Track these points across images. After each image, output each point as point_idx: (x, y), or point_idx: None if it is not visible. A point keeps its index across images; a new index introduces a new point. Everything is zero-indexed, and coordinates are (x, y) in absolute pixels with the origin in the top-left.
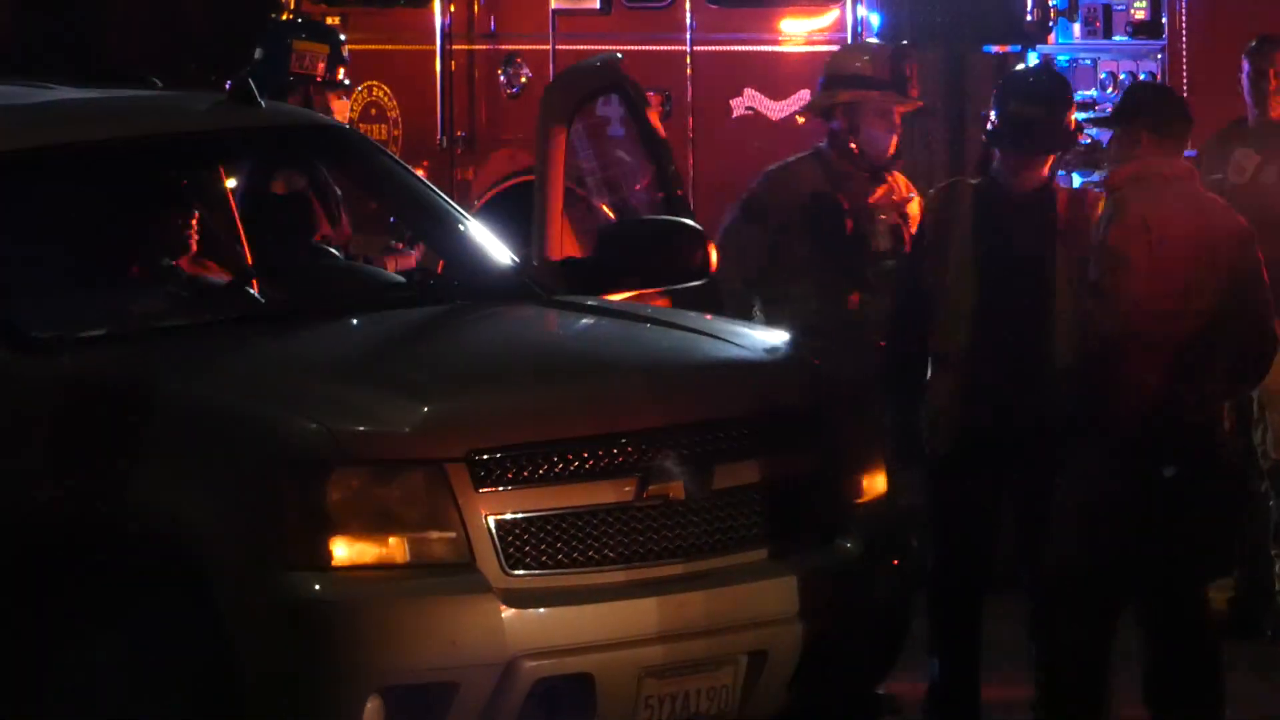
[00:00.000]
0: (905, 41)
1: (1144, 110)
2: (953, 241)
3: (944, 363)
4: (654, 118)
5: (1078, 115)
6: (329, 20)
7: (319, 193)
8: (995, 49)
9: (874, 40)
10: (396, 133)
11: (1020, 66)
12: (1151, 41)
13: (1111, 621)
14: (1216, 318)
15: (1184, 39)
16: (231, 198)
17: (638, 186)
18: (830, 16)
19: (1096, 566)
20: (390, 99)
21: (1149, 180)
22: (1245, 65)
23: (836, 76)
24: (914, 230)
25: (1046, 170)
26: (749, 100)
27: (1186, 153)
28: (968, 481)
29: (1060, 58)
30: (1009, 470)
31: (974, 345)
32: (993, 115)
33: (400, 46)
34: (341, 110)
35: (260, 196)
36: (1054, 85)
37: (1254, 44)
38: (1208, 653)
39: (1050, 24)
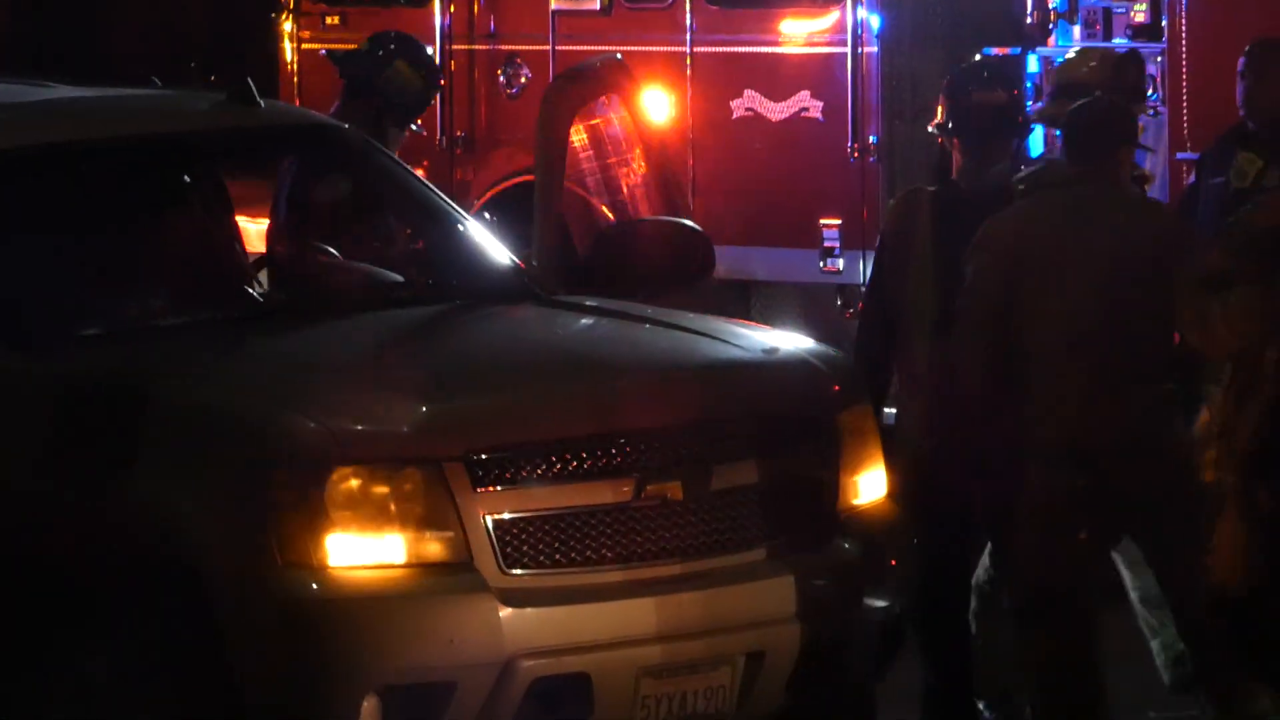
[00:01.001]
0: (1132, 44)
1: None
2: (912, 252)
3: (910, 376)
4: (654, 119)
5: None
6: (329, 20)
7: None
8: (995, 51)
9: (1102, 45)
10: None
11: (968, 62)
12: (1151, 44)
13: (1089, 627)
14: (1128, 317)
15: (1184, 42)
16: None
17: (637, 187)
18: (831, 18)
19: (1054, 581)
20: None
21: (1025, 192)
22: (1241, 69)
23: (1061, 85)
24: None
25: (1006, 165)
26: (749, 101)
27: (1183, 155)
28: (940, 492)
29: (1060, 60)
30: (979, 477)
31: (936, 356)
32: (948, 109)
33: None
34: (394, 143)
35: (302, 198)
36: (1010, 73)
37: (1250, 48)
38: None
39: (1050, 26)
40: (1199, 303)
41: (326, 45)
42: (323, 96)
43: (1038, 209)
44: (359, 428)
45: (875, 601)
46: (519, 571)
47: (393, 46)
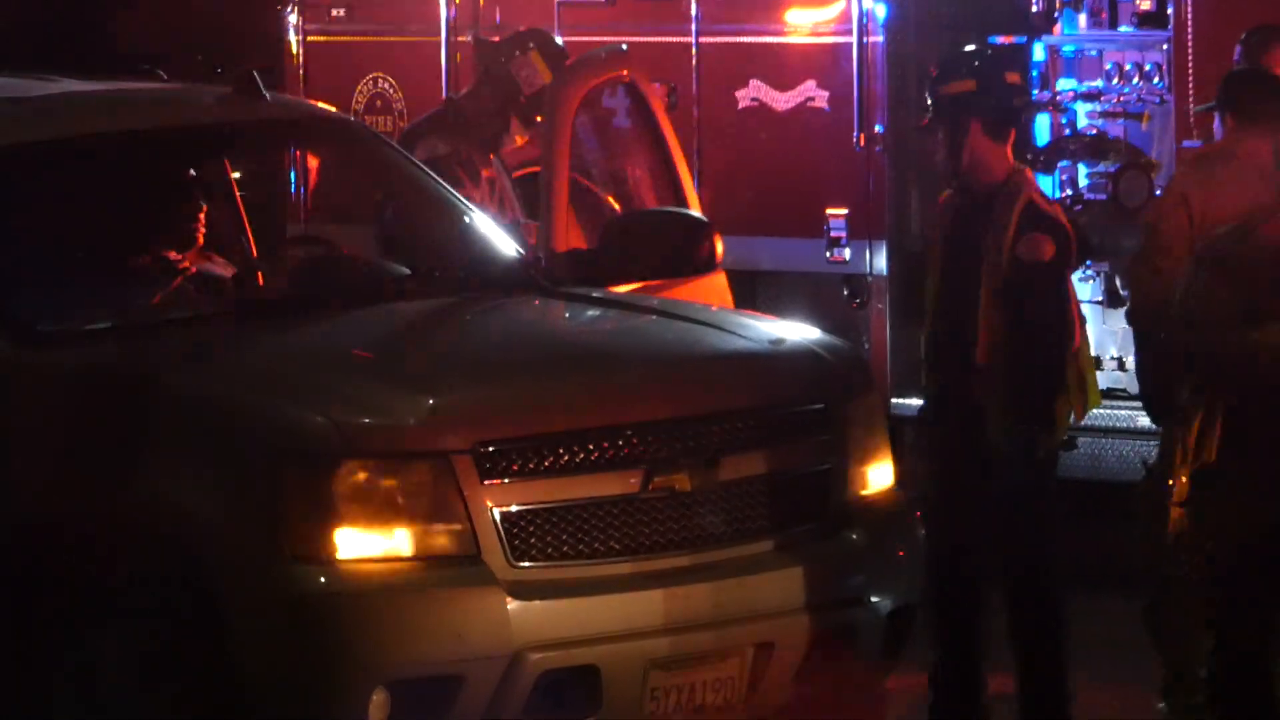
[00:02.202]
0: None
1: (1229, 95)
2: (936, 239)
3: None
4: (659, 109)
5: (1086, 106)
6: (334, 12)
7: (461, 162)
8: (1001, 40)
9: None
10: (401, 124)
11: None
12: (1157, 32)
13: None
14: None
15: (1190, 30)
16: (237, 189)
17: (643, 178)
18: (836, 8)
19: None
20: (395, 90)
21: (1209, 159)
22: (1239, 56)
23: None
24: None
25: (1010, 155)
26: (754, 91)
27: (1189, 143)
28: (945, 463)
29: (1066, 48)
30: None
31: (931, 333)
32: (928, 106)
33: (405, 38)
34: (515, 143)
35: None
36: (982, 59)
37: (1247, 35)
38: None
39: (1056, 14)
40: (1226, 335)
41: (332, 38)
42: (328, 88)
43: (1219, 178)
44: (366, 421)
45: (883, 592)
46: (527, 564)
47: (532, 45)
